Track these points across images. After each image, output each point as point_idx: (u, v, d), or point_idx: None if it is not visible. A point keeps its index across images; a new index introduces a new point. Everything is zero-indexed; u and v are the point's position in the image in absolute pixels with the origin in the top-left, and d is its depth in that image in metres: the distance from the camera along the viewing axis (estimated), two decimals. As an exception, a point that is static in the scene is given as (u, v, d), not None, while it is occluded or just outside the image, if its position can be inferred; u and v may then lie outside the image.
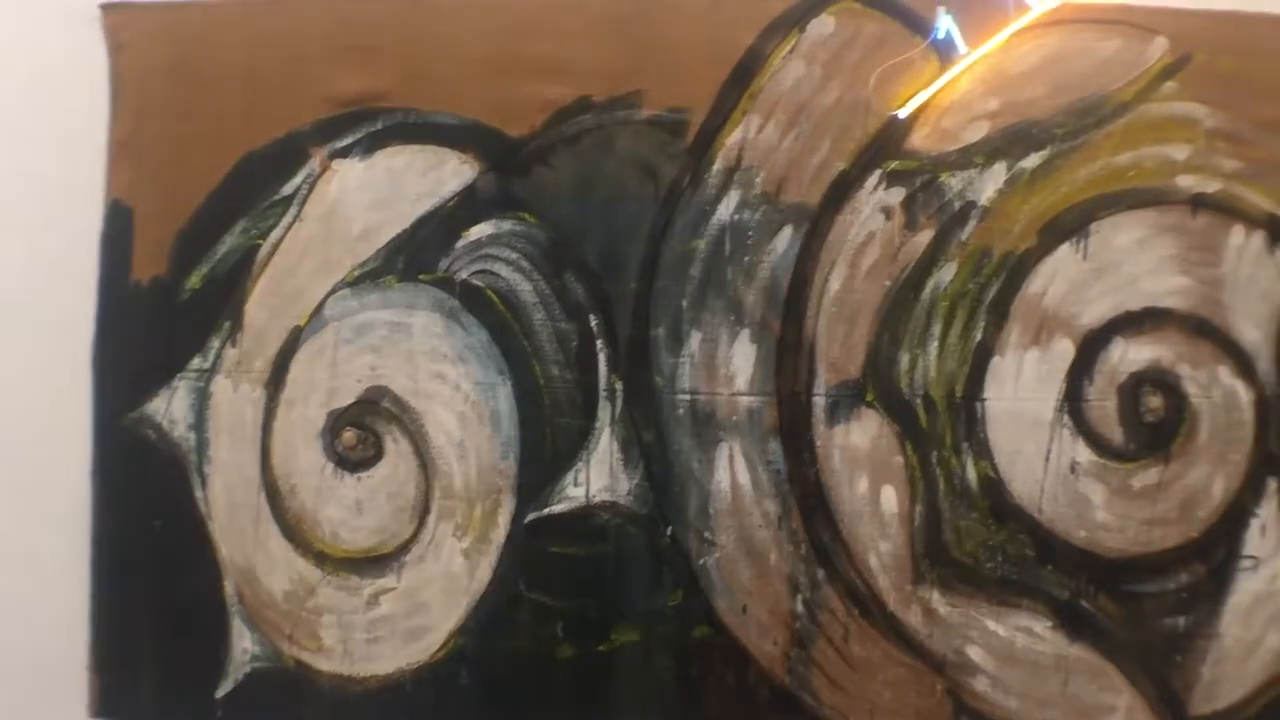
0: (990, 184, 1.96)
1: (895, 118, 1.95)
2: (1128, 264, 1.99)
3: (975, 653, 1.99)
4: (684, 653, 2.00)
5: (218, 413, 2.06)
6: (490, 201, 2.01)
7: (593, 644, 2.01)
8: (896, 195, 1.96)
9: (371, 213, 2.03)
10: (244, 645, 2.06)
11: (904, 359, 1.96)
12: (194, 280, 2.05)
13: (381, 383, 2.03)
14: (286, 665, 2.06)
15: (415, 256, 2.02)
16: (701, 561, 1.99)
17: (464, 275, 2.01)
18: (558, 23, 1.99)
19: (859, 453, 1.96)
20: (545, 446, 2.01)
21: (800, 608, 1.98)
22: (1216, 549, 2.03)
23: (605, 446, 1.99)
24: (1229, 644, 2.04)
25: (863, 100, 1.96)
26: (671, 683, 2.00)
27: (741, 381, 1.97)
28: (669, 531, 1.99)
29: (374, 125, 2.03)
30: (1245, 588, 2.04)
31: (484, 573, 2.02)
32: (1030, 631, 1.99)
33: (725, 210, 1.97)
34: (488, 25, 2.00)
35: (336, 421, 2.04)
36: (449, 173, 2.01)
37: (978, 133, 1.97)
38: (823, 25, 1.97)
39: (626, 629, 2.00)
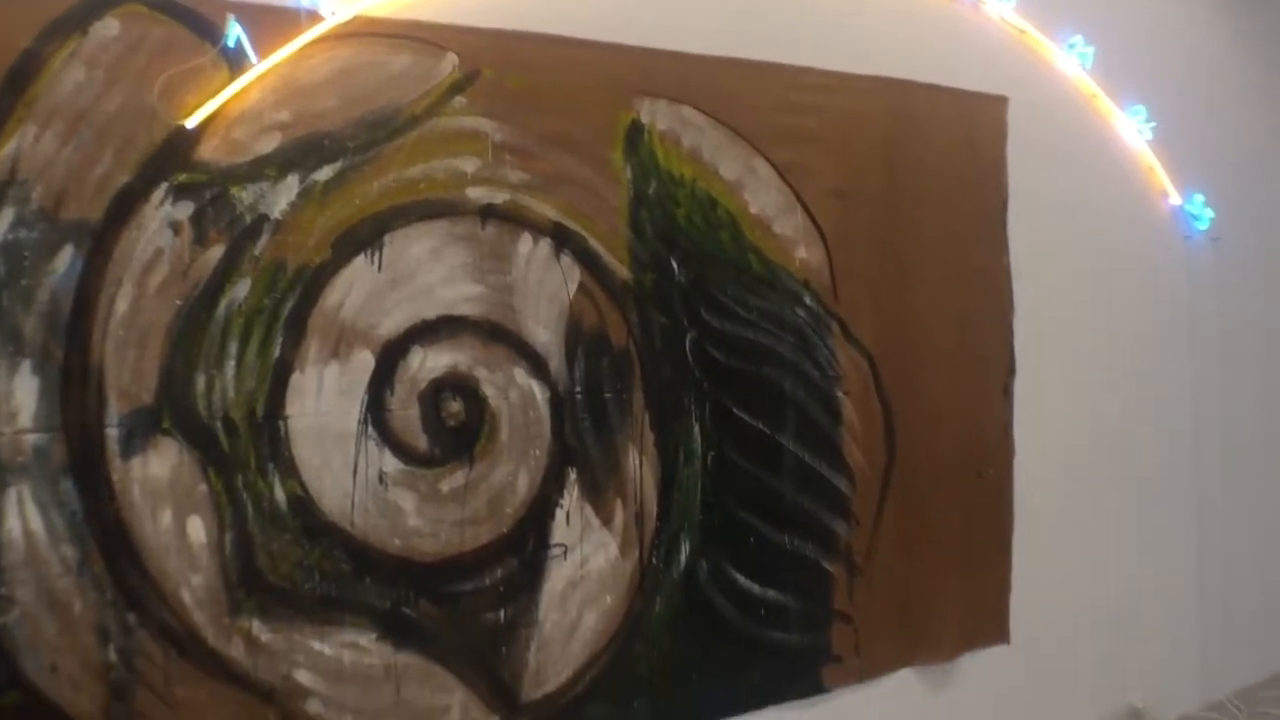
0: (283, 197, 1.92)
1: (183, 128, 1.86)
2: (422, 274, 2.04)
3: (304, 676, 1.95)
4: (-9, 725, 1.76)
5: None
6: None
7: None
8: (185, 209, 1.86)
9: None
10: None
11: (200, 381, 1.86)
12: None
13: None
14: None
15: None
16: (1, 621, 1.77)
17: None
18: None
19: (160, 484, 1.83)
20: None
21: (114, 657, 1.82)
22: (527, 541, 2.15)
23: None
24: (549, 629, 2.17)
25: (149, 108, 1.83)
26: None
27: (26, 418, 1.76)
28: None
29: None
30: (558, 574, 2.18)
31: None
32: (356, 646, 1.98)
33: (-1, 229, 1.75)
34: None
35: None
36: None
37: (269, 144, 1.92)
38: (106, 28, 1.81)
39: (-86, 710, 1.73)
